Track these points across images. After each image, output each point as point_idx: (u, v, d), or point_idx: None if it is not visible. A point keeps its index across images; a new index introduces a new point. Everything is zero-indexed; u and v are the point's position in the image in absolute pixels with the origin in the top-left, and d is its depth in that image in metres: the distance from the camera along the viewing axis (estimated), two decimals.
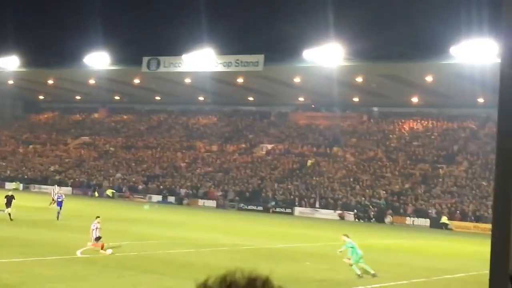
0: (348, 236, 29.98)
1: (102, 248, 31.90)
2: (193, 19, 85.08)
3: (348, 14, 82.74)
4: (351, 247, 29.44)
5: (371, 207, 79.04)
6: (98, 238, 32.62)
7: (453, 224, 72.80)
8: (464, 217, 73.78)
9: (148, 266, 29.00)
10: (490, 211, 72.47)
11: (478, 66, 70.33)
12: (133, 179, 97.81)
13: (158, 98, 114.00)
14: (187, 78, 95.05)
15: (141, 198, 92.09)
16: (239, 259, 31.41)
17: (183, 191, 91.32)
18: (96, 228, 32.89)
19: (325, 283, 27.69)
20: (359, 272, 29.04)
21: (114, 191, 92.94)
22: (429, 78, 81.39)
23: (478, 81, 74.20)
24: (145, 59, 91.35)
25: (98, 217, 33.96)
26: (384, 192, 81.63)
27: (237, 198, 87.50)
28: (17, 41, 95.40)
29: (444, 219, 73.04)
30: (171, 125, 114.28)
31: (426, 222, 75.01)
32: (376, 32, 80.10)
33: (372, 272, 29.23)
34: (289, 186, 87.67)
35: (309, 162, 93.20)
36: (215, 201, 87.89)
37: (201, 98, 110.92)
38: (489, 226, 69.17)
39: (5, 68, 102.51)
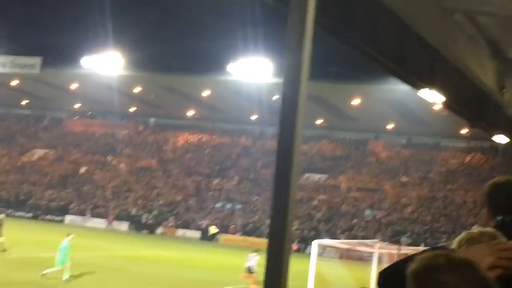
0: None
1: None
2: None
3: (128, 23, 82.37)
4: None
5: (146, 217, 79.04)
6: (250, 270, 31.07)
7: (223, 237, 74.29)
8: (234, 231, 75.54)
9: None
10: (258, 225, 74.86)
11: (253, 84, 72.50)
12: None
13: None
14: None
15: None
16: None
17: None
18: (255, 260, 31.11)
19: None
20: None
21: None
22: (205, 93, 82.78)
23: (253, 98, 76.47)
24: None
25: (257, 250, 31.81)
26: (157, 203, 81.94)
27: (5, 204, 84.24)
28: None
29: (212, 230, 74.24)
30: None
31: (197, 234, 76.02)
32: (156, 43, 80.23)
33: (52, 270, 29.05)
34: (61, 193, 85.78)
35: (82, 170, 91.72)
36: None
37: None
38: (257, 240, 71.46)
39: None
